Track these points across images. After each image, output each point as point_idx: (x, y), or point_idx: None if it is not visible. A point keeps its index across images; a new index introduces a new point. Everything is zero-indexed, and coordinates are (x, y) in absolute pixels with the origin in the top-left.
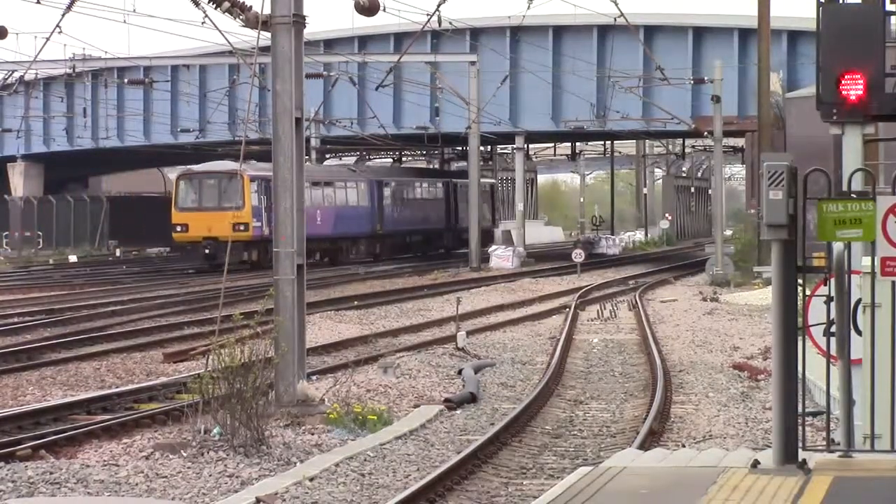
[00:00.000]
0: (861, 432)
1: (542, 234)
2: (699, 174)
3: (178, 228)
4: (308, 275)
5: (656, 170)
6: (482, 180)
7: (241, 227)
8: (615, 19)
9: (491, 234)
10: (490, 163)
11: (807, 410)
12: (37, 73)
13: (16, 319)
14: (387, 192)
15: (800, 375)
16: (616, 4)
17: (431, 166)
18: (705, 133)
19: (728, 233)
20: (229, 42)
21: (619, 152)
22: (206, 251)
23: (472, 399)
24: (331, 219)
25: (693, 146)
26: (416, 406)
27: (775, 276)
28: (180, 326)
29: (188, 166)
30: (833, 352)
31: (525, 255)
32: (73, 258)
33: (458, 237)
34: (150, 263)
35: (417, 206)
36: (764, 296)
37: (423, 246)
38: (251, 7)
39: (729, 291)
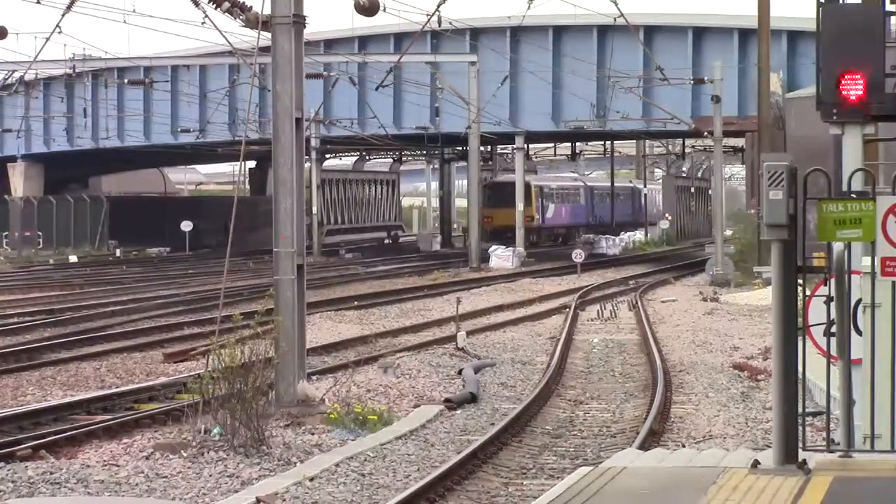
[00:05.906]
0: (861, 432)
1: None
2: (699, 174)
3: (486, 219)
4: (308, 275)
5: (656, 170)
6: (626, 184)
7: (529, 220)
8: (615, 19)
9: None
10: (490, 163)
11: (807, 410)
12: (37, 73)
13: (16, 319)
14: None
15: (800, 375)
16: (616, 4)
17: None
18: (705, 133)
19: (728, 233)
20: (229, 42)
21: (619, 152)
22: (508, 235)
23: (473, 399)
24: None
25: (693, 146)
26: (417, 406)
27: (775, 276)
28: (180, 326)
29: (493, 179)
30: (833, 352)
31: (525, 254)
32: (73, 258)
33: (596, 230)
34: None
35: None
36: (764, 296)
37: (567, 236)
38: (251, 7)
39: (729, 291)
